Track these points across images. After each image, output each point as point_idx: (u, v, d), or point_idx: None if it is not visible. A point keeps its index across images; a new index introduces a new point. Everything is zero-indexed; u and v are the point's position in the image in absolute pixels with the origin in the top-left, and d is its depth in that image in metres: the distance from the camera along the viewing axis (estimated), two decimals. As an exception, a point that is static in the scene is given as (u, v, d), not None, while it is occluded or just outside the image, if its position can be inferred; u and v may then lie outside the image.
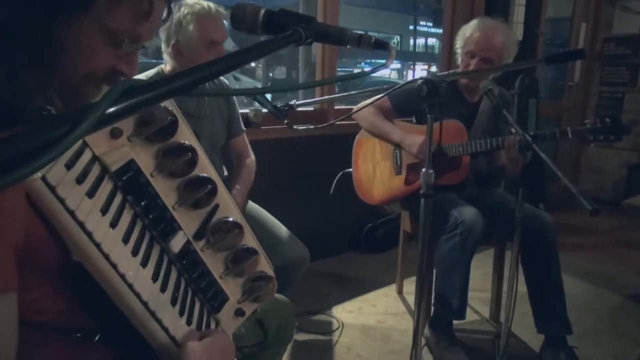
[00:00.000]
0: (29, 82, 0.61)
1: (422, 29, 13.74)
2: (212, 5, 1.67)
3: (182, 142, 0.82)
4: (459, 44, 2.13)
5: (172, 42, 1.66)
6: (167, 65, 1.76)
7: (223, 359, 0.79)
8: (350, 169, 2.35)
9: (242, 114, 2.06)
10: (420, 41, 14.29)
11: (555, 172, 1.38)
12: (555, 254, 1.96)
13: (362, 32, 0.72)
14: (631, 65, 4.29)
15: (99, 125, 0.34)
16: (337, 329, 2.25)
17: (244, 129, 2.03)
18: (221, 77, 1.90)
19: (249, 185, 1.93)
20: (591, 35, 4.42)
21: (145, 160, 0.77)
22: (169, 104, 0.79)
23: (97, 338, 0.73)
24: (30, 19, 0.59)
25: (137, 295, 0.71)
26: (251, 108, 2.45)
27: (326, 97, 2.46)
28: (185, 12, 1.64)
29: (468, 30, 2.08)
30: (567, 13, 4.46)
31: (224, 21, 1.70)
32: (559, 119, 4.41)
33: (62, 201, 0.61)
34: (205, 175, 0.86)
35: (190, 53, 1.66)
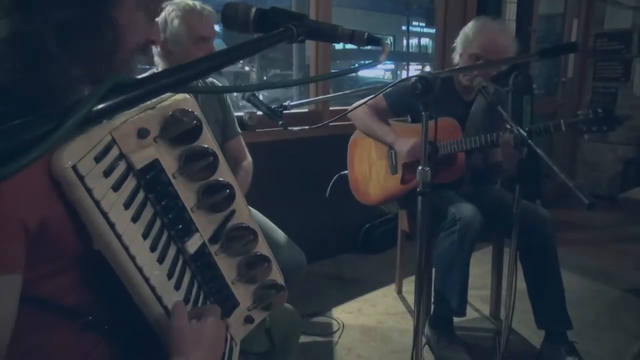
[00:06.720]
0: (92, 65, 0.67)
1: (415, 29, 13.77)
2: (197, 2, 1.69)
3: (205, 146, 0.83)
4: (460, 45, 2.09)
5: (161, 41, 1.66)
6: (158, 67, 1.76)
7: (212, 346, 0.76)
8: (346, 171, 2.34)
9: (236, 116, 2.05)
10: (414, 41, 14.33)
11: (552, 168, 1.38)
12: (553, 250, 1.96)
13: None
14: (624, 60, 4.30)
15: (86, 122, 0.33)
16: (337, 330, 2.25)
17: (240, 131, 2.02)
18: (212, 79, 1.89)
19: (247, 187, 1.92)
20: (583, 31, 4.44)
21: (169, 161, 0.79)
22: (196, 109, 0.81)
23: (105, 327, 0.75)
24: (90, 9, 0.65)
25: (152, 289, 0.73)
26: (246, 111, 2.44)
27: (321, 97, 2.46)
28: (171, 9, 1.65)
29: (471, 33, 2.04)
30: (559, 10, 4.48)
31: (212, 20, 1.71)
32: (553, 114, 4.42)
33: (89, 191, 0.63)
34: (224, 180, 0.87)
35: (179, 50, 1.67)
